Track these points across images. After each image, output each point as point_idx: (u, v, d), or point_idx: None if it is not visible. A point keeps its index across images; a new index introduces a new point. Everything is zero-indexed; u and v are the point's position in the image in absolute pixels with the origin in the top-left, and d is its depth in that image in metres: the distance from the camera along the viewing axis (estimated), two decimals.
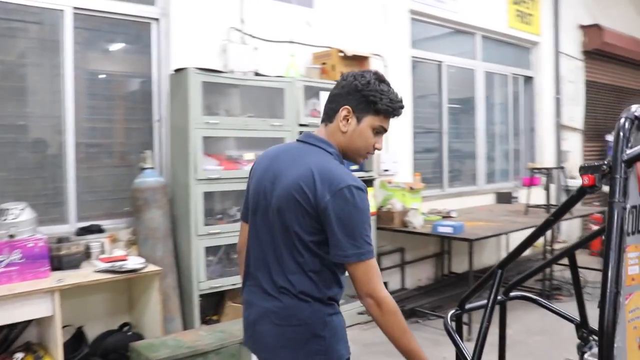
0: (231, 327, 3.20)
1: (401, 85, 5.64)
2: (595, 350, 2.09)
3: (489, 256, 6.75)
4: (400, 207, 5.14)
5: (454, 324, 1.94)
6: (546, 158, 7.78)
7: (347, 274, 1.74)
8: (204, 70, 3.82)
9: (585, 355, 1.67)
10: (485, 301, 2.06)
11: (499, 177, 7.42)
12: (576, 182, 7.55)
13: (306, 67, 4.69)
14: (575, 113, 8.28)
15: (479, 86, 6.88)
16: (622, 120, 1.29)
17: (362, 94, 1.74)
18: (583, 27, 8.27)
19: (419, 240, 5.82)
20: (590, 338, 2.10)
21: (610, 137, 8.44)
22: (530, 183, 6.95)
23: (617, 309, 1.19)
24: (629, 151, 1.26)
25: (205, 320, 3.93)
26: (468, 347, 1.82)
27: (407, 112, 5.74)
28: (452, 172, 6.67)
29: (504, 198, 7.03)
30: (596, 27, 8.19)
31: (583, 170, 1.31)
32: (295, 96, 4.30)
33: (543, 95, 7.75)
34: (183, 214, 3.86)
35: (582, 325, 2.12)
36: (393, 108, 1.77)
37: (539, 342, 4.48)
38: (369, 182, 4.96)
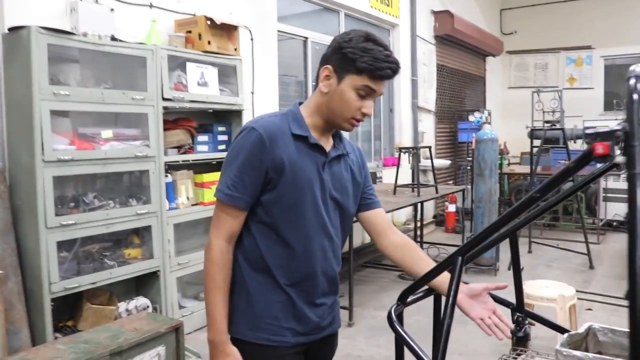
0: (97, 335, 2.69)
1: (267, 60, 5.33)
2: (528, 331, 1.98)
3: (355, 238, 6.71)
4: None
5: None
6: (405, 139, 7.95)
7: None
8: (50, 31, 3.19)
9: (557, 347, 1.50)
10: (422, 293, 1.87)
11: None
12: (429, 162, 7.81)
13: (169, 34, 4.19)
14: (429, 95, 8.56)
15: None
16: (633, 81, 1.11)
17: (342, 52, 1.59)
18: (435, 13, 8.54)
19: None
20: (526, 322, 2.00)
21: (472, 118, 8.84)
22: (393, 163, 7.04)
23: None
24: None
25: (58, 328, 3.34)
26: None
27: (273, 90, 5.46)
28: None
29: None
30: (447, 13, 8.51)
31: (592, 137, 1.11)
32: (158, 66, 3.80)
33: (401, 77, 7.87)
34: (27, 203, 3.21)
35: (517, 309, 2.01)
36: (376, 67, 1.56)
37: (418, 321, 4.46)
38: None
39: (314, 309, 1.72)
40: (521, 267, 1.91)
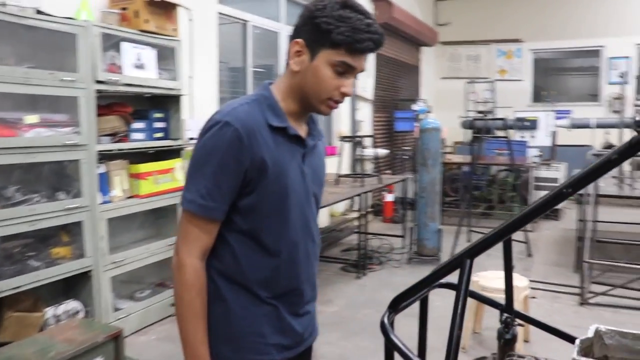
0: (21, 350, 2.36)
1: (207, 43, 5.02)
2: (516, 332, 1.85)
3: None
4: None
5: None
6: (342, 127, 7.81)
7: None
8: None
9: (574, 356, 1.36)
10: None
11: None
12: (369, 152, 7.72)
13: (102, 11, 3.80)
14: (367, 83, 8.45)
15: (283, 51, 6.54)
16: None
17: (315, 22, 1.34)
18: (374, 0, 8.41)
19: None
20: (515, 323, 1.86)
21: (415, 107, 8.79)
22: (332, 152, 6.88)
23: None
24: None
25: None
26: None
27: (213, 75, 5.15)
28: None
29: None
30: (386, 1, 8.40)
31: None
32: (90, 45, 3.43)
33: None
34: None
35: (507, 310, 1.87)
36: (356, 39, 1.31)
37: (368, 315, 4.33)
38: (175, 152, 4.29)
39: (299, 319, 1.52)
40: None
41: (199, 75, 4.87)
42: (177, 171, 4.24)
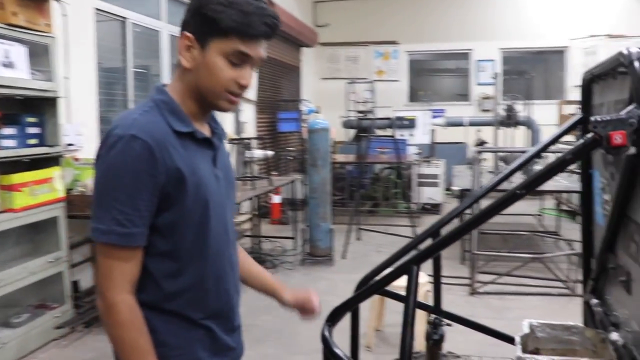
0: None
1: (83, 41, 4.65)
2: (443, 332, 1.87)
3: None
4: None
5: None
6: (226, 129, 7.62)
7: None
8: None
9: (518, 354, 1.36)
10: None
11: None
12: (256, 154, 7.61)
13: None
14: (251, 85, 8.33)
15: (164, 50, 6.25)
16: (637, 64, 0.98)
17: (202, 12, 1.23)
18: None
19: None
20: (443, 323, 1.86)
21: (304, 108, 8.75)
22: None
23: None
24: None
25: None
26: None
27: (91, 76, 4.79)
28: None
29: None
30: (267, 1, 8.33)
31: (603, 124, 0.95)
32: None
33: None
34: None
35: (435, 311, 1.87)
36: (247, 23, 1.20)
37: (268, 321, 4.22)
38: (53, 160, 3.94)
39: (233, 335, 1.42)
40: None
41: (76, 76, 4.48)
42: (56, 180, 3.88)
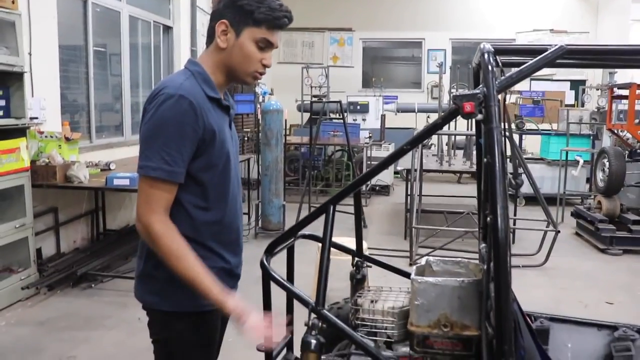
0: None
1: (47, 18, 4.85)
2: (365, 273, 2.26)
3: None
4: (61, 160, 4.47)
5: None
6: None
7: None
8: None
9: (412, 276, 1.76)
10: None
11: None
12: None
13: None
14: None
15: (124, 31, 6.44)
16: (486, 55, 1.37)
17: (237, 5, 1.58)
18: None
19: (73, 198, 5.23)
20: (364, 265, 2.27)
21: (259, 90, 9.01)
22: None
23: (508, 222, 1.28)
24: (497, 82, 1.35)
25: None
26: None
27: (53, 52, 4.99)
28: (98, 122, 6.14)
29: None
30: None
31: (460, 98, 1.34)
32: None
33: (181, 46, 7.76)
34: None
35: (357, 255, 2.26)
36: (274, 17, 1.58)
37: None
38: (20, 131, 4.17)
39: (238, 265, 1.78)
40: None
41: (39, 53, 4.68)
42: (22, 151, 4.11)
